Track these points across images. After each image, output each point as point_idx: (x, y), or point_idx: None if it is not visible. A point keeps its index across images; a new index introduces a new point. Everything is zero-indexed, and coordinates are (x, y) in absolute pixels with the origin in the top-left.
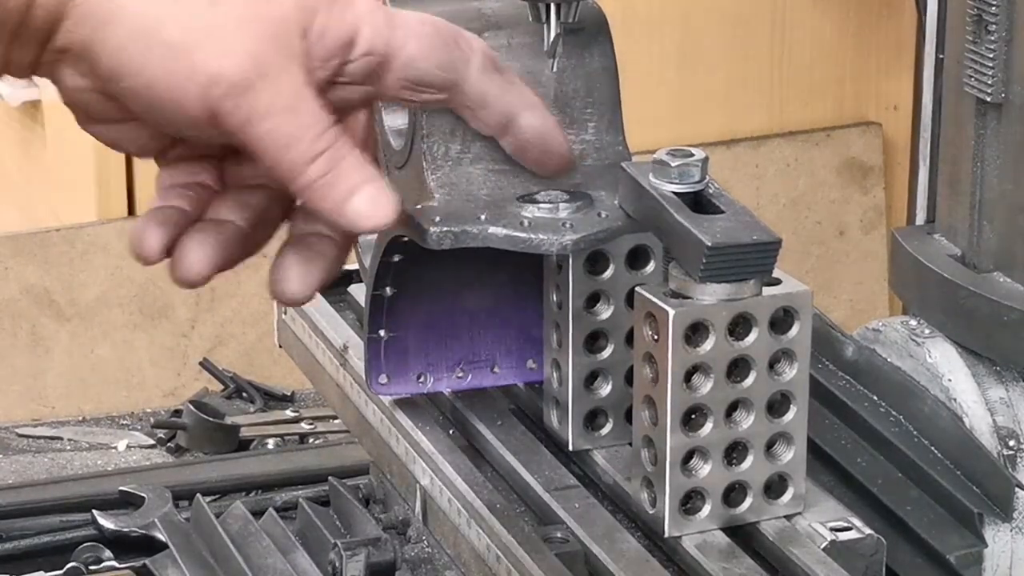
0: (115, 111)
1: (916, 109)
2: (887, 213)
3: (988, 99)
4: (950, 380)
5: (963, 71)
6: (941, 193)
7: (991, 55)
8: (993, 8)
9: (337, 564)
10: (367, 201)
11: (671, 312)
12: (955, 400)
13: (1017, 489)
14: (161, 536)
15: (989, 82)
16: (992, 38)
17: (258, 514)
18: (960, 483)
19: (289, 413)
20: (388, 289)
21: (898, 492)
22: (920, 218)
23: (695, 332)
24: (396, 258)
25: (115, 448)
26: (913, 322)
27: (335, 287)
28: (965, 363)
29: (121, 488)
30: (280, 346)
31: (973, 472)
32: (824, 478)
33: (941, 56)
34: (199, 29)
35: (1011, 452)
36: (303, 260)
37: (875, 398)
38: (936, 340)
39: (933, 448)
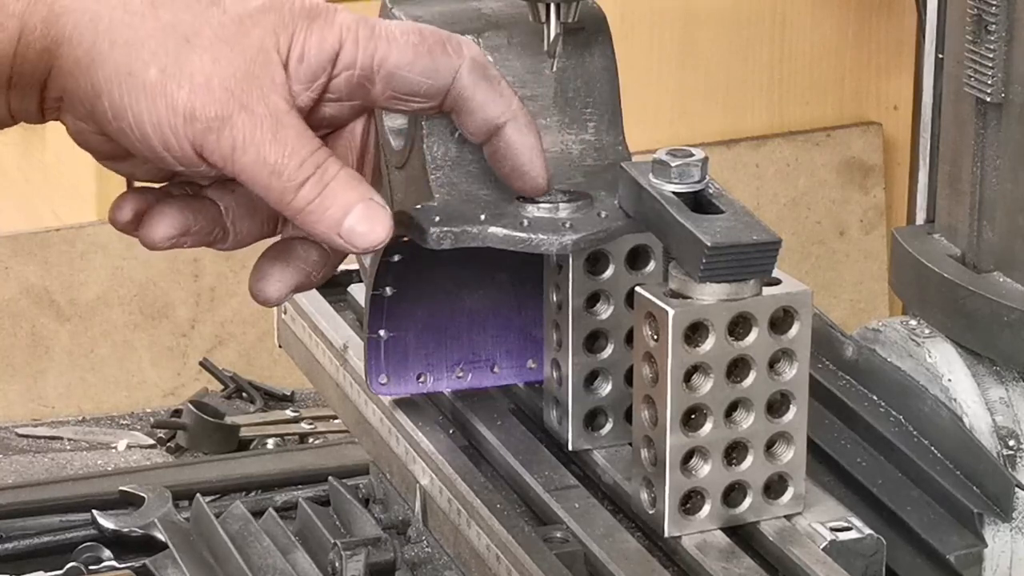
0: (121, 150)
1: (916, 109)
2: (887, 213)
3: (988, 99)
4: (950, 380)
5: (963, 71)
6: (941, 193)
7: (991, 55)
8: (993, 8)
9: (337, 564)
10: (361, 219)
11: (671, 312)
12: (955, 400)
13: (1017, 489)
14: (161, 536)
15: (989, 82)
16: (992, 38)
17: (258, 514)
18: (960, 483)
19: (289, 413)
20: (388, 289)
21: (898, 492)
22: (920, 218)
23: (695, 332)
24: (396, 258)
25: (115, 448)
26: (913, 322)
27: (335, 287)
28: (965, 363)
29: (121, 488)
30: (280, 346)
31: (973, 472)
32: (824, 478)
33: (941, 56)
34: (175, 68)
35: (1011, 452)
36: (283, 263)
37: (875, 398)
38: (936, 340)
39: (933, 448)
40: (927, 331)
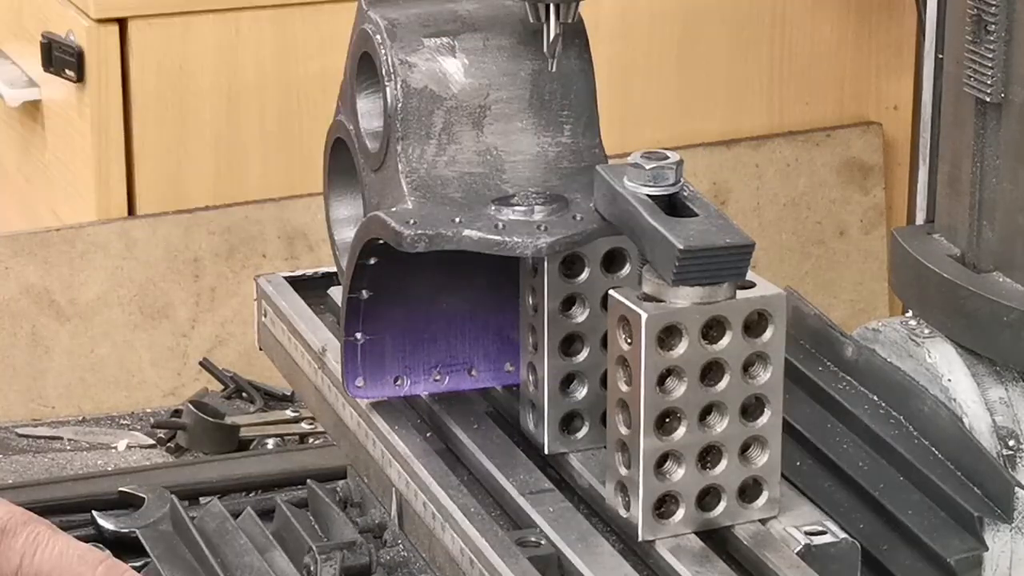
0: None
1: (916, 109)
2: (887, 213)
3: (988, 99)
4: (950, 380)
5: (963, 71)
6: (941, 193)
7: (991, 55)
8: (993, 8)
9: (312, 568)
10: None
11: (644, 315)
12: (955, 400)
13: (1017, 489)
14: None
15: (989, 82)
16: (992, 38)
17: (263, 514)
18: (960, 486)
19: (289, 413)
20: (364, 292)
21: (899, 495)
22: (920, 218)
23: (668, 335)
24: (372, 261)
25: (115, 448)
26: (913, 322)
27: (314, 289)
28: (965, 363)
29: (121, 489)
30: (260, 348)
31: (973, 473)
32: (825, 482)
33: (941, 56)
34: None
35: (1011, 452)
36: None
37: (875, 399)
38: (936, 340)
39: (933, 449)
40: (927, 331)
